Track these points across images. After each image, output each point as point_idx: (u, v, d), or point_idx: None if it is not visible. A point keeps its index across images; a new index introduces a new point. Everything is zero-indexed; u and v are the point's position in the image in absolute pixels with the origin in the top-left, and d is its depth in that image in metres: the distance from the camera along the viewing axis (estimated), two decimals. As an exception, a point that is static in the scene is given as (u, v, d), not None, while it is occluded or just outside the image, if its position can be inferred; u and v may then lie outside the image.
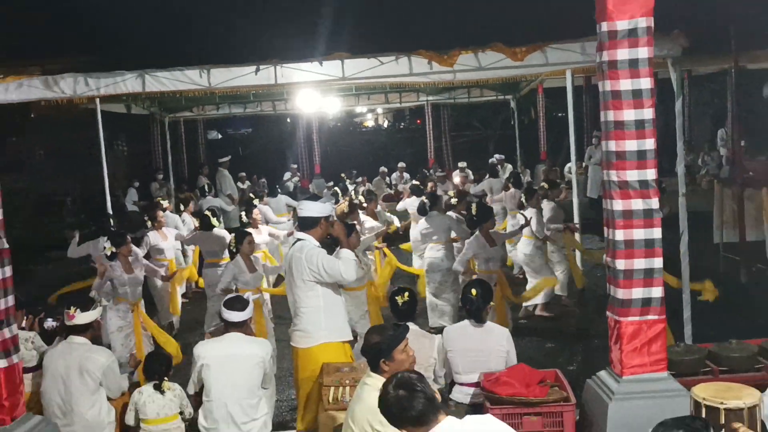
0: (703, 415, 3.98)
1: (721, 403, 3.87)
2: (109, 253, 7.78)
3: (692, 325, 6.59)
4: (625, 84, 4.71)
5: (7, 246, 5.22)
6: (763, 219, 9.71)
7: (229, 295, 6.19)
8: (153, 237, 10.04)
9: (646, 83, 4.71)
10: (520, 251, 9.49)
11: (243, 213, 10.26)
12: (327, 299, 5.79)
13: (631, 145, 4.72)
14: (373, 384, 4.49)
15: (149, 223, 10.13)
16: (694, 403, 3.99)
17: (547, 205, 9.78)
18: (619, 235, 4.74)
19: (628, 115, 4.72)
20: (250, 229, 9.15)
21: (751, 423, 3.83)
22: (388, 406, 3.44)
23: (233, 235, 8.24)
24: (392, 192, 17.19)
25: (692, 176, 14.01)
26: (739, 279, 9.34)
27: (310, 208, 5.92)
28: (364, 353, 4.62)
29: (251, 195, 12.39)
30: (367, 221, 9.95)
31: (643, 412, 4.57)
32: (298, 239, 5.89)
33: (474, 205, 8.81)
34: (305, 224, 5.92)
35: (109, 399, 5.80)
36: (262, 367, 5.84)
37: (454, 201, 10.17)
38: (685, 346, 5.59)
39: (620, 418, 4.71)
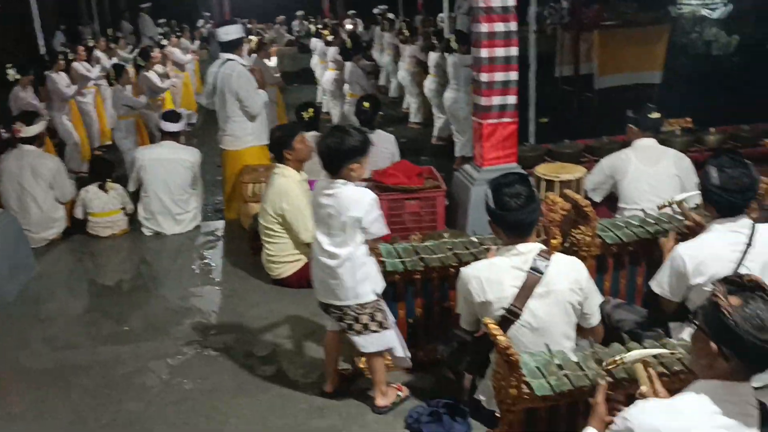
0: (543, 187, 4.25)
1: (557, 176, 4.15)
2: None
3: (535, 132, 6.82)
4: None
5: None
6: (592, 56, 9.99)
7: (167, 110, 6.25)
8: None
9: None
10: (427, 87, 9.09)
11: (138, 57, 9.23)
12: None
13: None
14: (280, 172, 4.57)
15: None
16: (536, 178, 4.25)
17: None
18: (484, 53, 4.78)
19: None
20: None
21: (577, 190, 4.15)
22: (327, 149, 3.13)
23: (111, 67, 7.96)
24: (294, 38, 16.66)
25: (540, 24, 14.08)
26: (573, 104, 9.71)
27: (230, 32, 5.73)
28: (272, 149, 4.67)
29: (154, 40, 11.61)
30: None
31: (497, 193, 4.83)
32: (228, 59, 5.70)
33: (348, 39, 8.81)
34: (230, 46, 5.72)
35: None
36: (191, 170, 5.83)
37: (349, 45, 9.95)
38: (530, 145, 5.87)
39: (479, 198, 4.92)
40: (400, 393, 3.44)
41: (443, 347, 3.39)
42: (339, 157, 3.09)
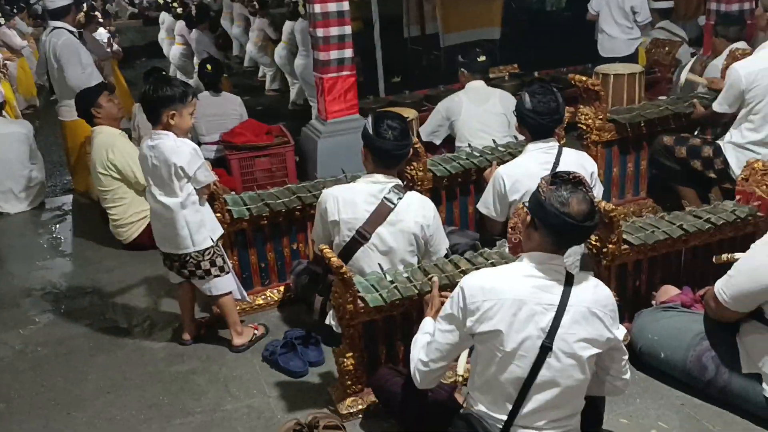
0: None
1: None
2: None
3: (384, 90, 7.10)
4: None
5: None
6: (437, 16, 10.43)
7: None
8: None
9: None
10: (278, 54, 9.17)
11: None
12: (92, 78, 5.55)
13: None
14: (97, 131, 4.66)
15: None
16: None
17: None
18: (318, 8, 4.94)
19: None
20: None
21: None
22: (143, 97, 3.22)
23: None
24: (137, 11, 16.01)
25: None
26: (422, 62, 10.12)
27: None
28: (81, 114, 4.73)
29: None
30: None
31: (341, 144, 5.07)
32: (54, 27, 5.52)
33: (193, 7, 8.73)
34: (57, 14, 5.54)
35: None
36: (26, 143, 5.65)
37: (194, 12, 9.78)
38: (373, 98, 6.15)
39: (326, 149, 5.17)
40: (256, 332, 3.62)
41: (295, 282, 3.65)
42: (155, 104, 3.16)
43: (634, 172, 4.67)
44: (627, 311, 3.27)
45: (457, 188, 4.14)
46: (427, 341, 2.36)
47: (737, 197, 3.44)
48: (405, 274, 2.97)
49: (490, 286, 2.15)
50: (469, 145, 4.45)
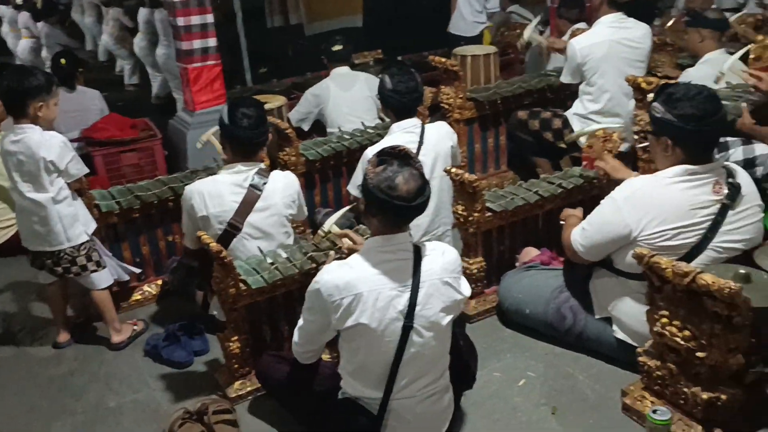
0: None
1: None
2: None
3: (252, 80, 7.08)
4: None
5: None
6: (299, 6, 10.48)
7: None
8: None
9: None
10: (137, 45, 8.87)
11: None
12: None
13: None
14: None
15: None
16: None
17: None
18: (176, -5, 4.87)
19: None
20: None
21: (279, 117, 4.53)
22: (7, 90, 3.07)
23: None
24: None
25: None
26: (287, 51, 10.13)
27: None
28: None
29: None
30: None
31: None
32: None
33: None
34: None
35: None
36: None
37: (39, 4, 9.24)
38: (240, 87, 6.14)
39: (195, 141, 5.04)
40: (135, 327, 3.56)
41: (172, 277, 3.60)
42: (22, 96, 3.05)
43: (495, 147, 4.98)
44: (494, 274, 3.53)
45: (330, 171, 4.25)
46: (299, 324, 2.44)
47: (583, 163, 3.79)
48: (284, 255, 3.04)
49: (344, 282, 2.20)
50: (339, 129, 4.57)
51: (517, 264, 3.50)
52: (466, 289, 2.40)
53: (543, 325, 3.21)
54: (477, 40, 7.19)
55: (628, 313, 2.86)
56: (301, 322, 2.43)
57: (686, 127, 2.57)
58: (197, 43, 5.00)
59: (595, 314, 3.01)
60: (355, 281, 2.21)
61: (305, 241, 3.27)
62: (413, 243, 2.34)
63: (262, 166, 3.17)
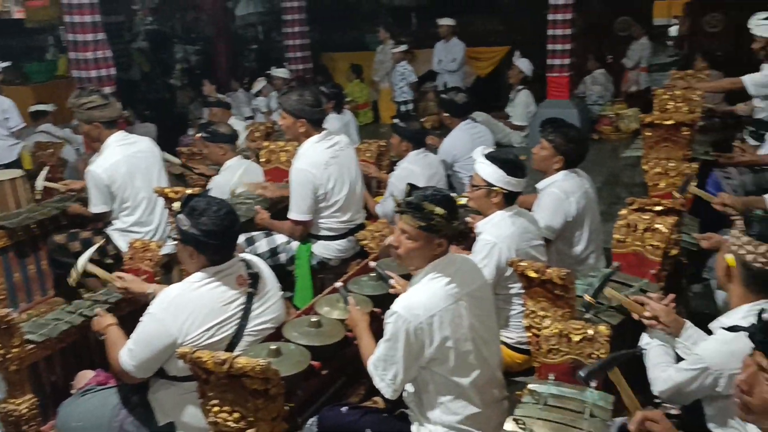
0: None
1: None
2: None
3: None
4: None
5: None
6: None
7: None
8: None
9: None
10: None
11: None
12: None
13: None
14: None
15: None
16: None
17: None
18: None
19: None
20: None
21: None
22: None
23: None
24: None
25: None
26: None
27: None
28: None
29: None
30: None
31: None
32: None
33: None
34: None
35: None
36: None
37: None
38: None
39: None
40: None
41: None
42: None
43: (37, 274, 4.73)
44: (51, 408, 3.32)
45: None
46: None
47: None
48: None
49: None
50: None
51: (72, 391, 3.37)
52: None
53: (109, 447, 3.13)
54: (18, 164, 6.86)
55: (192, 414, 2.98)
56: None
57: (208, 242, 2.88)
58: None
59: (159, 422, 3.07)
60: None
61: None
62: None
63: None
